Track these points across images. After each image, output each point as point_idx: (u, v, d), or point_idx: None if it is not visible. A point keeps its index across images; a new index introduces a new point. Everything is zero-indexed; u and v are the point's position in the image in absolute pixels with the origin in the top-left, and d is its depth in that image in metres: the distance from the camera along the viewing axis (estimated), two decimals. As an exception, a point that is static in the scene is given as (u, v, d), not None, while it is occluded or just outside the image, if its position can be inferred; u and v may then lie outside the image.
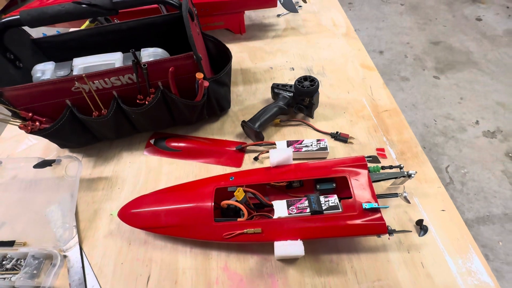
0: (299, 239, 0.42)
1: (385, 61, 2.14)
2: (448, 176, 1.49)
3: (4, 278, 0.48)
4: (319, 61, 0.80)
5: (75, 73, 0.53)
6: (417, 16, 2.48)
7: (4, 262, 0.50)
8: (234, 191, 0.45)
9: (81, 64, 0.53)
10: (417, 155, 0.58)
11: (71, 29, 0.64)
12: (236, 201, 0.46)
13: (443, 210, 0.51)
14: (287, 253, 0.41)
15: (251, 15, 0.99)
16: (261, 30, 0.93)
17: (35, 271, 0.48)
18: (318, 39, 0.87)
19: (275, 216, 0.45)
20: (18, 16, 0.47)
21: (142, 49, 0.55)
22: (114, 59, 0.53)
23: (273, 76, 0.77)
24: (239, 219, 0.46)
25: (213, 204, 0.46)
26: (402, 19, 2.48)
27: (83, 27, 0.66)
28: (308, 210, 0.44)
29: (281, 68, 0.80)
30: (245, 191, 0.46)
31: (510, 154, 1.55)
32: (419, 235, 0.48)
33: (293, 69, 0.79)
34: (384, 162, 0.57)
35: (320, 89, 0.72)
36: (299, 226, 0.43)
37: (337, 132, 0.62)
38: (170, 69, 0.50)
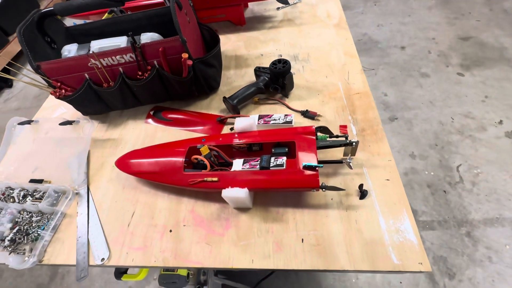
0: (245, 188, 0.51)
1: (406, 56, 2.08)
2: (458, 175, 1.44)
3: (34, 204, 0.64)
4: (306, 49, 0.87)
5: (91, 52, 0.67)
6: (448, 11, 2.35)
7: (35, 193, 0.66)
8: (201, 148, 0.56)
9: (96, 45, 0.67)
10: (377, 132, 0.63)
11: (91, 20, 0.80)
12: (203, 156, 0.56)
13: (387, 180, 0.56)
14: (232, 195, 0.50)
15: (254, 9, 1.09)
16: (260, 22, 1.02)
17: (54, 201, 0.64)
18: (310, 29, 0.94)
19: (231, 170, 0.54)
20: (52, 8, 0.63)
21: (142, 34, 0.68)
22: (120, 41, 0.67)
23: (261, 62, 0.86)
24: (203, 171, 0.56)
25: (184, 158, 0.57)
26: (431, 13, 2.37)
27: (104, 17, 0.81)
28: (258, 166, 0.53)
29: (270, 55, 0.88)
30: (210, 149, 0.56)
31: (534, 157, 1.44)
32: (359, 198, 0.54)
33: (281, 55, 0.86)
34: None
35: (300, 74, 0.79)
36: (247, 178, 0.52)
37: (306, 110, 0.69)
38: (160, 49, 0.62)
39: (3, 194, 0.67)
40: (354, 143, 0.53)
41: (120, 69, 0.67)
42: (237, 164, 0.55)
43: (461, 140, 1.56)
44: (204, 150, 0.55)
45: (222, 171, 0.55)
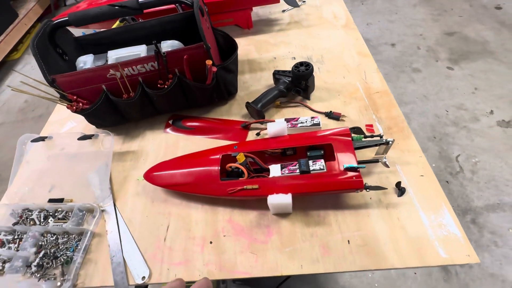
0: (289, 193, 0.51)
1: (397, 53, 2.14)
2: (458, 165, 1.50)
3: (58, 225, 0.60)
4: (319, 51, 0.88)
5: (109, 62, 0.65)
6: (431, 8, 2.45)
7: (56, 214, 0.63)
8: (236, 156, 0.55)
9: (114, 55, 0.65)
10: (403, 129, 0.65)
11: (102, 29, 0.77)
12: (238, 163, 0.55)
13: (422, 175, 0.57)
14: (278, 201, 0.50)
15: (259, 12, 1.08)
16: (267, 25, 1.02)
17: (80, 220, 0.61)
18: (318, 30, 0.95)
19: (270, 176, 0.54)
20: (67, 18, 0.60)
21: (162, 42, 0.66)
22: (140, 50, 0.65)
23: (276, 65, 0.86)
24: (240, 179, 0.55)
25: (219, 166, 0.56)
26: (416, 10, 2.46)
27: (114, 26, 0.78)
28: (298, 170, 0.53)
29: (283, 58, 0.88)
30: (245, 156, 0.56)
31: (525, 143, 1.52)
32: (397, 196, 0.55)
33: (294, 58, 0.87)
34: (371, 136, 0.64)
35: (317, 75, 0.80)
36: (289, 183, 0.52)
37: (330, 111, 0.70)
38: (185, 57, 0.61)
39: (21, 217, 0.63)
40: (390, 142, 0.54)
41: (140, 78, 0.65)
42: (275, 170, 0.55)
43: (457, 131, 1.63)
44: (241, 157, 0.54)
45: (262, 178, 0.54)
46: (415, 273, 1.21)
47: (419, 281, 1.19)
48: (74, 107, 0.65)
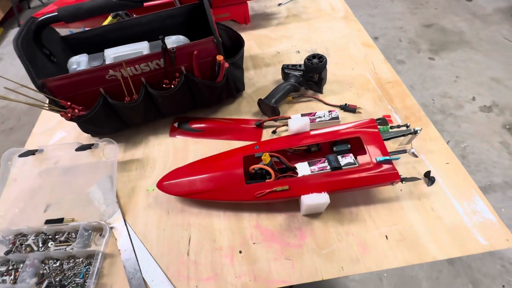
0: (323, 192, 0.48)
1: (380, 46, 2.19)
2: (449, 151, 1.55)
3: (60, 249, 0.53)
4: (322, 43, 0.85)
5: (107, 62, 0.58)
6: (408, 1, 2.54)
7: (57, 236, 0.55)
8: (261, 157, 0.51)
9: (112, 54, 0.58)
10: (421, 118, 0.64)
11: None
12: (264, 164, 0.51)
13: (447, 163, 0.57)
14: (315, 202, 0.47)
15: (254, 6, 1.04)
16: (265, 19, 0.98)
17: (86, 242, 0.54)
18: (319, 23, 0.93)
19: (299, 175, 0.50)
20: (56, 13, 0.53)
21: (166, 37, 0.60)
22: (142, 47, 0.59)
23: (281, 60, 0.83)
24: (267, 180, 0.51)
25: (243, 168, 0.52)
26: (394, 5, 2.54)
27: (105, 22, 0.71)
28: (328, 167, 0.50)
29: (287, 52, 0.85)
30: (270, 156, 0.52)
31: (507, 126, 1.61)
32: (427, 185, 0.54)
33: (299, 52, 0.84)
34: (391, 127, 0.63)
35: (326, 68, 0.77)
36: (322, 181, 0.49)
37: (345, 104, 0.68)
38: (195, 52, 0.56)
39: (13, 244, 0.55)
40: (418, 131, 0.53)
41: (143, 79, 0.59)
42: (303, 168, 0.52)
43: (444, 118, 1.69)
44: (266, 158, 0.50)
45: (291, 178, 0.51)
46: (421, 259, 1.24)
47: (425, 267, 1.22)
48: (69, 114, 0.57)
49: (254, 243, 0.51)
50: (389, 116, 0.65)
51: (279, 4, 1.03)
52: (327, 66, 0.77)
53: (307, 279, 0.46)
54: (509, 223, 1.28)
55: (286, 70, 0.72)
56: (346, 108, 0.67)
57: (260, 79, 0.79)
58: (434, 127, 0.62)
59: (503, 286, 1.14)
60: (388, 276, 1.21)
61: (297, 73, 0.70)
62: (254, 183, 0.51)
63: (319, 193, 0.48)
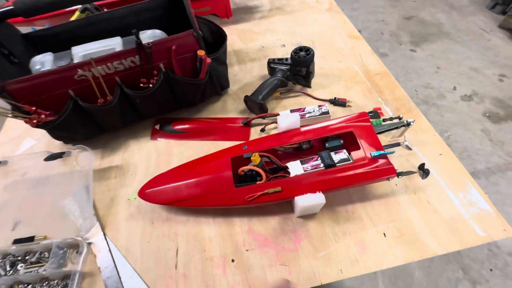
0: (318, 192, 0.45)
1: (363, 39, 2.20)
2: (434, 141, 1.58)
3: (31, 271, 0.48)
4: (308, 36, 0.83)
5: (75, 61, 0.53)
6: (388, -6, 2.57)
7: (27, 257, 0.49)
8: (250, 158, 0.47)
9: (81, 52, 0.53)
10: (411, 109, 0.63)
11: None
12: (254, 165, 0.48)
13: (440, 154, 0.55)
14: (310, 203, 0.44)
15: (236, 0, 1.00)
16: (247, 13, 0.94)
17: (61, 261, 0.49)
18: (303, 16, 0.90)
19: (292, 175, 0.48)
20: (12, 7, 0.47)
21: (140, 32, 0.55)
22: (114, 43, 0.53)
23: (266, 54, 0.79)
24: (258, 182, 0.48)
25: (231, 171, 0.48)
26: (375, -2, 2.56)
27: (73, 18, 0.64)
28: (321, 165, 0.47)
29: (272, 46, 0.82)
30: (260, 156, 0.49)
31: (487, 114, 1.66)
32: (422, 178, 0.53)
33: (284, 46, 0.81)
34: (382, 120, 0.61)
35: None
36: (316, 180, 0.46)
37: (335, 98, 0.65)
38: (173, 48, 0.51)
39: (-23, 269, 0.48)
40: (411, 123, 0.51)
41: (117, 78, 0.54)
42: (295, 168, 0.49)
43: (428, 109, 1.72)
44: (256, 158, 0.47)
45: (283, 179, 0.47)
46: (413, 249, 1.25)
47: (417, 256, 1.23)
48: (35, 121, 0.51)
49: (247, 250, 0.48)
50: (379, 109, 0.63)
51: (262, -3, 0.99)
52: (314, 59, 0.75)
53: (305, 285, 0.44)
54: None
55: (272, 64, 0.69)
56: (335, 102, 0.65)
57: (246, 75, 0.75)
58: (425, 118, 0.61)
59: (491, 269, 1.17)
60: (382, 268, 1.22)
61: (283, 67, 0.67)
62: (244, 186, 0.48)
63: (313, 193, 0.45)
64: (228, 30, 0.88)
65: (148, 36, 0.55)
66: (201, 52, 0.53)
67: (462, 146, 1.54)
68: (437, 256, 1.27)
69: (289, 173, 0.48)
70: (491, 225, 0.47)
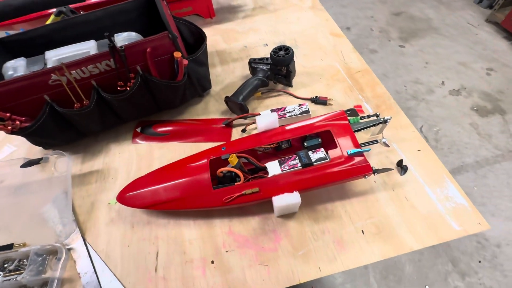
0: (295, 191, 0.45)
1: (353, 36, 2.21)
2: (423, 136, 1.59)
3: (9, 279, 0.47)
4: (291, 35, 0.83)
5: (49, 66, 0.52)
6: (377, -10, 2.57)
7: (5, 265, 0.49)
8: (228, 159, 0.47)
9: (54, 56, 0.52)
10: (391, 106, 0.63)
11: (36, 26, 0.62)
12: (231, 167, 0.48)
13: (418, 150, 0.56)
14: (286, 203, 0.44)
15: (219, -1, 1.00)
16: (231, 12, 0.94)
17: (40, 268, 0.48)
18: (286, 14, 0.90)
19: (270, 175, 0.48)
20: (-21, 12, 0.46)
21: (115, 35, 0.55)
22: (88, 47, 0.53)
23: (248, 54, 0.79)
24: (236, 183, 0.48)
25: (209, 172, 0.48)
26: (364, -6, 2.56)
27: (48, 22, 0.64)
28: (299, 164, 0.48)
29: (255, 45, 0.81)
30: (238, 157, 0.49)
31: (475, 108, 1.68)
32: (400, 174, 0.53)
33: (267, 45, 0.81)
34: (362, 117, 0.62)
35: (295, 60, 0.75)
36: (293, 180, 0.46)
37: (316, 97, 0.65)
38: (148, 50, 0.51)
39: (-46, 279, 0.48)
40: (388, 120, 0.51)
41: (93, 82, 0.53)
42: (273, 168, 0.49)
43: (417, 104, 1.74)
44: (234, 159, 0.47)
45: (261, 179, 0.48)
46: (403, 244, 1.26)
47: (407, 250, 1.25)
48: (9, 127, 0.51)
49: (227, 251, 0.48)
50: (360, 106, 0.64)
51: (245, -4, 0.99)
52: (295, 58, 0.75)
53: (284, 284, 0.44)
54: (483, 200, 1.35)
55: (254, 64, 0.68)
56: (316, 100, 0.65)
57: (228, 75, 0.75)
58: (405, 115, 0.62)
59: (480, 261, 1.18)
60: (373, 263, 1.23)
61: (264, 67, 0.67)
62: (222, 188, 0.48)
63: (290, 192, 0.45)
64: (212, 30, 0.88)
65: (124, 38, 0.54)
66: (177, 54, 0.53)
67: (451, 140, 1.56)
68: (426, 249, 1.28)
69: (268, 173, 0.49)
70: (467, 219, 0.47)
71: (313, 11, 0.89)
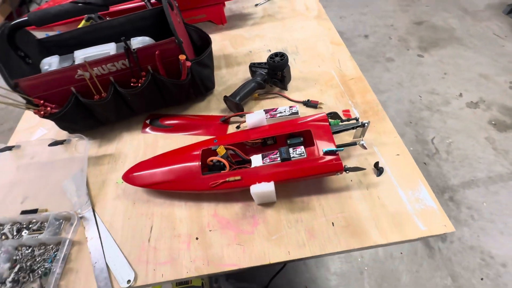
0: (271, 181, 0.51)
1: (370, 44, 2.21)
2: (434, 147, 1.57)
3: (33, 237, 0.57)
4: (293, 42, 0.88)
5: (76, 63, 0.62)
6: (400, -1, 2.55)
7: (30, 225, 0.59)
8: (217, 149, 0.54)
9: (81, 55, 0.62)
10: (378, 112, 0.67)
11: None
12: (219, 156, 0.55)
13: (398, 155, 0.59)
14: (261, 190, 0.50)
15: (232, 7, 1.08)
16: (241, 20, 1.01)
17: (57, 230, 0.58)
18: (292, 23, 0.96)
19: (252, 166, 0.54)
20: (26, 18, 0.57)
21: (132, 38, 0.64)
22: (109, 48, 0.63)
23: (252, 59, 0.86)
24: (222, 171, 0.55)
25: (200, 161, 0.55)
26: (386, 2, 2.55)
27: (80, 26, 0.75)
28: (279, 158, 0.53)
29: (259, 51, 0.88)
30: (226, 149, 0.55)
31: (493, 122, 1.62)
32: (376, 176, 0.57)
33: (270, 51, 0.87)
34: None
35: (293, 66, 0.81)
36: (271, 171, 0.52)
37: (308, 100, 0.71)
38: (156, 52, 0.59)
39: (-9, 233, 0.59)
40: (366, 124, 0.56)
41: (111, 78, 0.62)
42: (256, 160, 0.55)
43: (430, 115, 1.71)
44: (221, 150, 0.54)
45: (244, 169, 0.54)
46: (401, 253, 1.26)
47: (405, 260, 1.24)
48: (42, 112, 0.61)
49: (210, 231, 0.54)
50: (348, 111, 0.68)
51: (256, 5, 1.06)
52: (295, 63, 0.81)
53: (255, 262, 0.50)
54: (491, 217, 1.30)
55: (253, 68, 0.75)
56: (308, 103, 0.70)
57: (231, 77, 0.82)
58: (390, 121, 0.65)
59: (482, 279, 1.15)
60: (369, 269, 1.24)
61: (263, 71, 0.73)
62: (210, 174, 0.54)
63: (267, 182, 0.51)
64: (222, 36, 0.96)
65: (138, 42, 0.63)
66: (182, 57, 0.61)
67: (463, 153, 1.52)
68: (426, 261, 1.27)
69: (251, 165, 0.55)
70: (434, 220, 0.50)
71: (317, 21, 0.95)
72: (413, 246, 1.27)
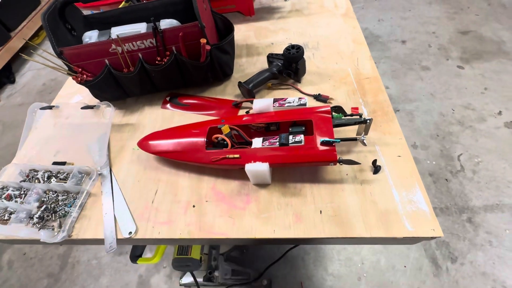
0: (267, 163, 0.54)
1: (406, 50, 2.11)
2: (460, 164, 1.48)
3: (59, 184, 0.66)
4: (315, 38, 0.90)
5: (112, 38, 0.70)
6: (447, 5, 2.39)
7: (58, 174, 0.69)
8: (222, 128, 0.58)
9: (117, 31, 0.70)
10: (387, 113, 0.67)
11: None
12: (224, 135, 0.59)
13: (399, 156, 0.59)
14: (255, 169, 0.53)
15: (262, 0, 1.11)
16: (269, 13, 1.04)
17: (78, 181, 0.67)
18: (318, 19, 0.97)
19: (252, 147, 0.57)
20: (75, -6, 0.65)
21: (161, 20, 0.70)
22: (140, 27, 0.69)
23: (272, 50, 0.89)
24: (224, 149, 0.59)
25: (206, 137, 0.60)
26: (431, 8, 2.40)
27: (120, 6, 0.83)
28: (277, 143, 0.56)
29: (280, 43, 0.91)
30: (231, 128, 0.59)
31: (532, 146, 1.48)
32: (373, 173, 0.57)
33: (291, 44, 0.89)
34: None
35: (311, 60, 0.82)
36: (268, 154, 0.55)
37: (319, 94, 0.72)
38: (180, 34, 0.65)
39: (27, 176, 0.69)
40: (368, 120, 0.56)
41: (140, 54, 0.69)
42: (257, 142, 0.58)
43: (461, 130, 1.60)
44: (225, 129, 0.58)
45: (244, 149, 0.58)
46: (405, 266, 1.22)
47: (408, 274, 1.20)
48: (79, 78, 0.70)
49: (206, 201, 0.59)
50: (357, 108, 0.68)
51: (286, 0, 1.08)
52: (313, 59, 0.82)
53: (242, 235, 0.53)
54: (510, 245, 1.21)
55: (270, 58, 0.78)
56: (318, 97, 0.72)
57: (250, 66, 0.86)
58: (397, 123, 0.64)
59: (489, 307, 1.08)
60: (368, 276, 1.22)
61: (279, 62, 0.76)
62: (213, 150, 0.59)
63: (262, 163, 0.54)
64: (247, 26, 1.00)
65: (166, 23, 0.69)
66: (203, 40, 0.66)
67: (491, 175, 1.41)
68: (430, 280, 1.23)
69: (251, 146, 0.58)
70: (423, 223, 0.50)
71: (344, 18, 0.94)
72: (418, 262, 1.23)
